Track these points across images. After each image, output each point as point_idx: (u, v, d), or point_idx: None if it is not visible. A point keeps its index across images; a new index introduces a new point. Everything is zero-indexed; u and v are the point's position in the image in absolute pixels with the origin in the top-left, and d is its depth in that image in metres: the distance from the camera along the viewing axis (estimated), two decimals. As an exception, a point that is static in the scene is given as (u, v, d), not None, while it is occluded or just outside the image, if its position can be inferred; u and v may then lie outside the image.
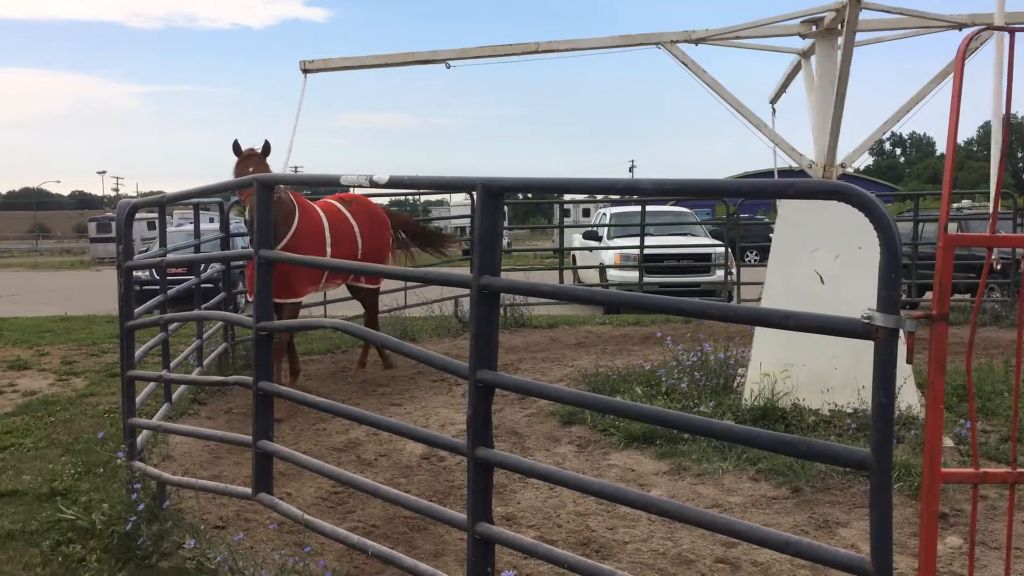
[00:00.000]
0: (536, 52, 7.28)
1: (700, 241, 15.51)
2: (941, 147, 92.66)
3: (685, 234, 15.81)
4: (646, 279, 13.79)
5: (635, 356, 8.99)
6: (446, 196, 40.03)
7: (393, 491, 3.44)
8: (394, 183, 3.32)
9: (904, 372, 5.95)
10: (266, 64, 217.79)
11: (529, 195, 23.15)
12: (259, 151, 6.87)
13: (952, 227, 14.24)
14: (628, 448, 5.79)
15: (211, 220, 18.38)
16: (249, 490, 3.97)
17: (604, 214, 17.98)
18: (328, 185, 7.69)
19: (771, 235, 7.12)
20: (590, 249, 16.28)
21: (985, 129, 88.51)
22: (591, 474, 5.20)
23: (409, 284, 11.73)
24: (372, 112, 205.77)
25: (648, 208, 14.38)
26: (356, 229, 7.95)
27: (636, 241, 13.83)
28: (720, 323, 9.48)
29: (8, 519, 4.71)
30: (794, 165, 7.28)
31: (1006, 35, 2.54)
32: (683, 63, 7.00)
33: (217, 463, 5.68)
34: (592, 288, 4.68)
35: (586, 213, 32.56)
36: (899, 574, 3.69)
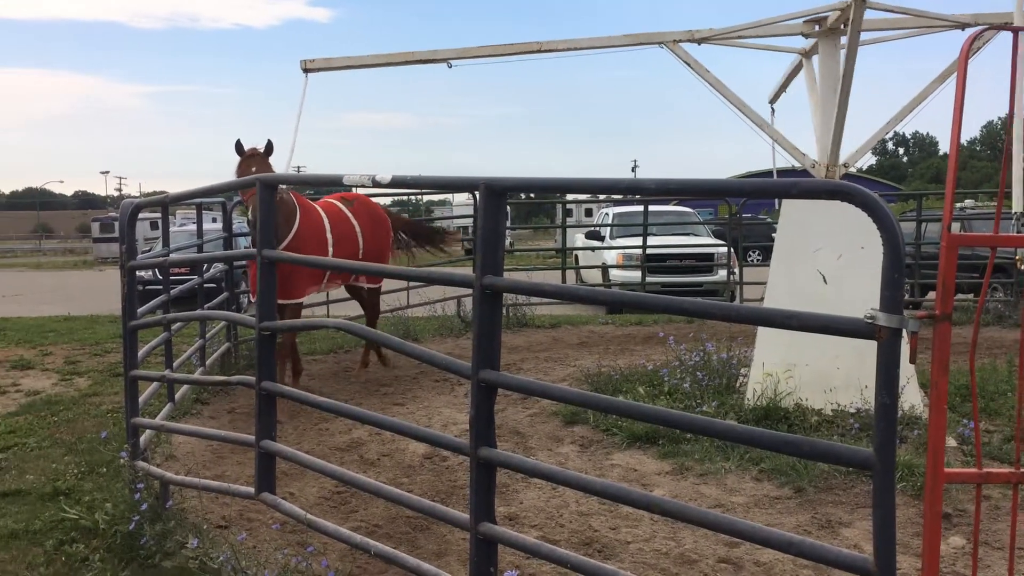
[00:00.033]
0: (538, 52, 7.27)
1: (703, 241, 15.49)
2: (944, 147, 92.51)
3: (688, 234, 15.80)
4: (649, 279, 13.78)
5: (638, 356, 8.99)
6: (448, 196, 40.03)
7: (396, 491, 3.44)
8: (397, 183, 3.32)
9: (907, 372, 5.95)
10: (269, 64, 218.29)
11: (531, 195, 23.15)
12: (262, 151, 6.88)
13: (955, 227, 14.20)
14: (631, 448, 5.79)
15: (214, 220, 18.38)
16: (252, 490, 3.97)
17: (607, 214, 17.98)
18: (331, 185, 7.70)
19: (774, 235, 7.11)
20: (593, 249, 16.27)
21: (988, 129, 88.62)
22: (594, 474, 5.20)
23: (412, 284, 11.73)
24: (373, 112, 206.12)
25: (651, 208, 14.38)
26: (357, 229, 7.94)
27: (639, 241, 13.82)
28: (723, 323, 9.47)
29: (11, 518, 4.72)
30: (795, 165, 7.27)
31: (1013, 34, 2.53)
32: (686, 63, 6.99)
33: (220, 463, 5.68)
34: (595, 288, 4.68)
35: (589, 213, 32.57)
36: (902, 574, 3.68)
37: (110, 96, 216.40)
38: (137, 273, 4.93)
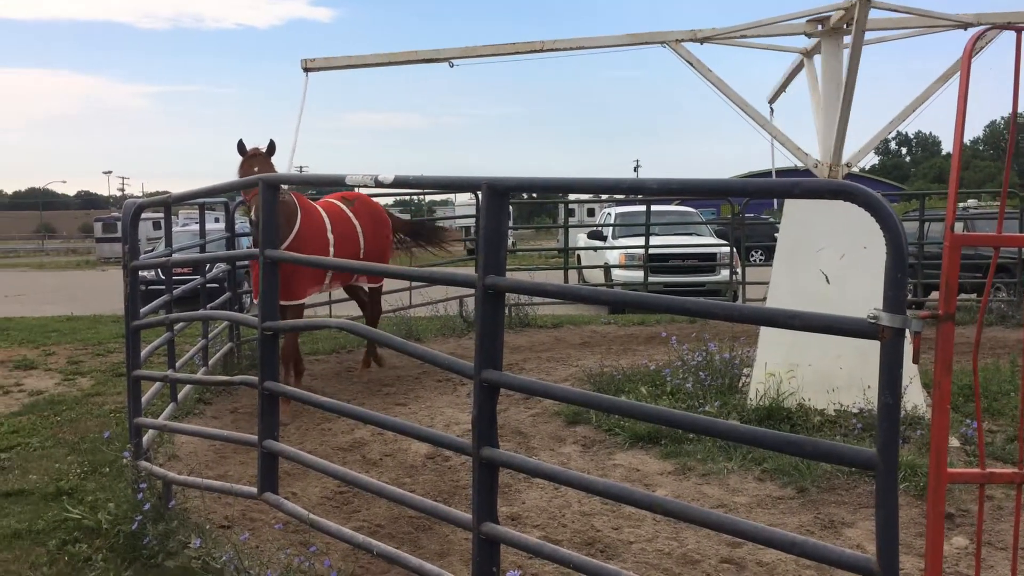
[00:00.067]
0: (541, 51, 7.26)
1: (705, 241, 15.48)
2: (947, 146, 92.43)
3: (690, 234, 15.79)
4: (651, 279, 13.77)
5: (640, 356, 8.99)
6: (451, 196, 40.03)
7: (398, 491, 3.44)
8: (400, 183, 3.32)
9: (910, 372, 5.94)
10: (271, 64, 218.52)
11: (534, 195, 23.14)
12: (264, 150, 6.87)
13: (958, 226, 14.19)
14: (633, 448, 5.79)
15: (216, 220, 18.40)
16: (254, 489, 3.97)
17: (609, 214, 17.97)
18: (333, 185, 7.69)
19: (776, 235, 7.11)
20: (595, 249, 16.27)
21: (991, 128, 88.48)
22: (596, 474, 5.20)
23: (414, 284, 11.74)
24: (374, 112, 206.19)
25: (653, 208, 14.37)
26: (358, 229, 7.92)
27: (641, 241, 13.82)
28: (725, 323, 9.46)
29: (15, 518, 4.72)
30: (797, 164, 7.27)
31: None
32: (688, 62, 6.99)
33: (223, 463, 5.69)
34: (597, 288, 4.68)
35: (591, 213, 32.56)
36: (905, 574, 3.68)
37: (113, 96, 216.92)
38: (140, 273, 4.93)
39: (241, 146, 6.88)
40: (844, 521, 4.51)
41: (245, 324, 4.83)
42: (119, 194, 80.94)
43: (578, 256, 18.04)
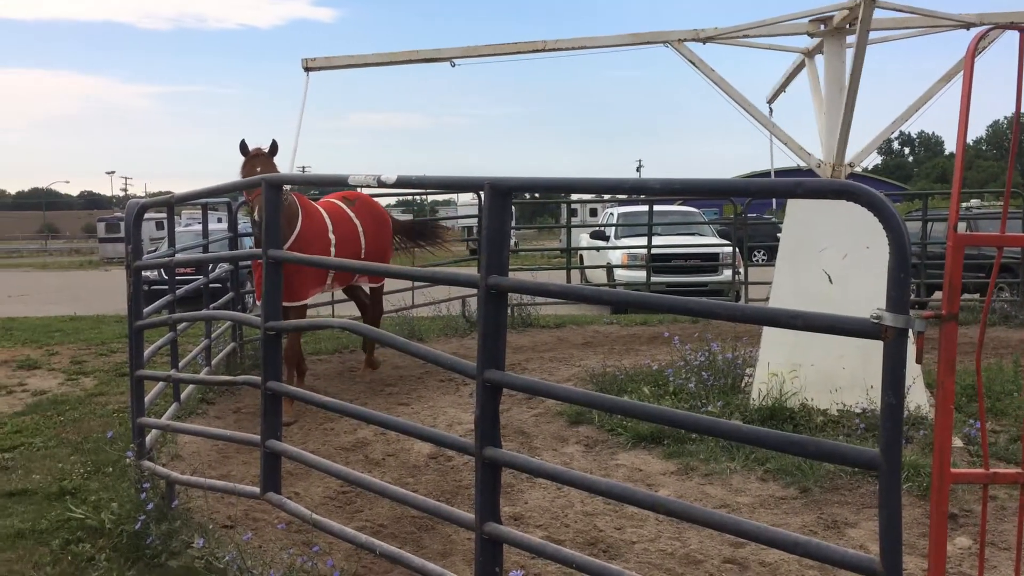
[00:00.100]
0: (543, 50, 7.26)
1: (708, 241, 15.48)
2: (950, 146, 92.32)
3: (693, 234, 15.79)
4: (653, 279, 13.77)
5: (642, 356, 8.99)
6: (453, 196, 40.04)
7: (401, 491, 3.45)
8: (402, 183, 3.32)
9: (913, 372, 5.93)
10: (273, 64, 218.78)
11: (536, 195, 23.13)
12: (266, 151, 6.87)
13: (961, 226, 14.18)
14: (636, 448, 5.79)
15: (219, 220, 18.41)
16: (257, 489, 3.98)
17: (611, 214, 17.97)
18: (336, 185, 7.69)
19: (779, 235, 7.10)
20: (597, 249, 16.27)
21: (994, 128, 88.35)
22: (599, 474, 5.20)
23: (416, 284, 11.74)
24: (375, 112, 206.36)
25: (656, 208, 14.37)
26: (360, 229, 7.90)
27: (643, 241, 13.82)
28: (728, 323, 9.46)
29: (18, 518, 4.73)
30: (800, 164, 7.26)
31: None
32: (691, 62, 6.99)
33: (225, 462, 5.70)
34: (599, 288, 4.67)
35: (593, 213, 32.56)
36: (908, 575, 3.68)
37: (116, 97, 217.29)
38: (143, 273, 4.94)
39: (243, 146, 6.88)
40: (847, 521, 4.51)
41: (248, 324, 4.83)
42: (122, 194, 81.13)
43: (580, 256, 18.05)
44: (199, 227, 10.28)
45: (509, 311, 10.78)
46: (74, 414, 7.14)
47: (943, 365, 2.08)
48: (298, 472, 5.25)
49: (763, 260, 23.38)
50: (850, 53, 6.39)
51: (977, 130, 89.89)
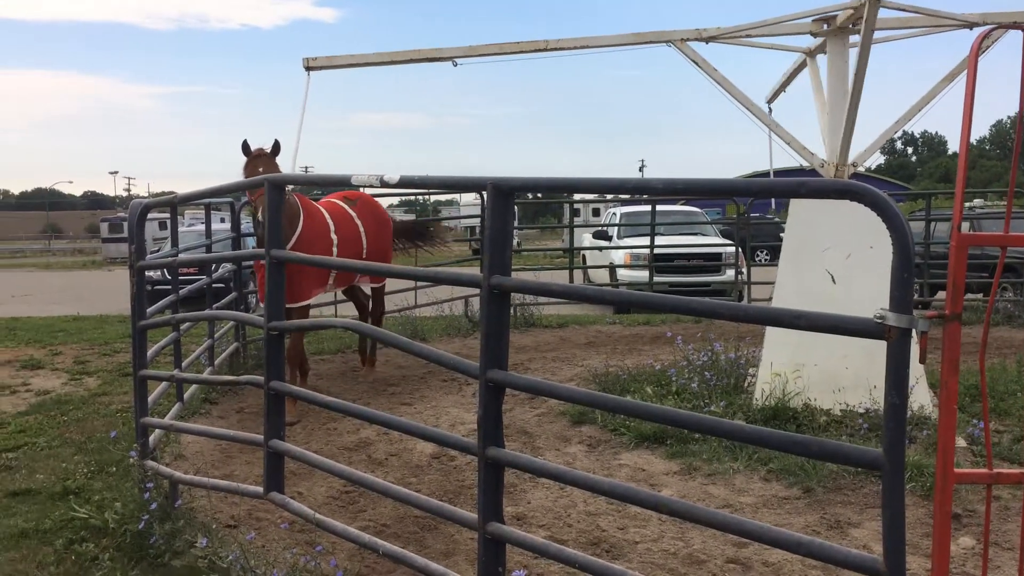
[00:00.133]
0: (545, 50, 7.26)
1: (710, 241, 15.47)
2: (953, 146, 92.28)
3: (695, 234, 15.78)
4: (656, 279, 13.77)
5: (645, 356, 8.98)
6: (456, 196, 40.03)
7: (404, 490, 3.45)
8: (405, 183, 3.32)
9: (917, 372, 5.92)
10: (275, 64, 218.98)
11: (539, 195, 23.12)
12: (268, 151, 6.88)
13: (965, 226, 14.17)
14: (639, 448, 5.78)
15: (222, 220, 18.43)
16: (260, 489, 3.98)
17: (614, 214, 17.97)
18: (339, 185, 7.70)
19: (782, 234, 7.10)
20: (600, 249, 16.27)
21: (998, 128, 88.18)
22: (601, 474, 5.20)
23: (419, 284, 11.74)
24: (376, 112, 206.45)
25: (658, 208, 14.36)
26: (361, 229, 7.89)
27: (646, 241, 13.81)
28: (731, 323, 9.45)
29: (22, 517, 4.74)
30: (803, 164, 7.26)
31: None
32: (694, 61, 6.98)
33: (229, 462, 5.70)
34: (602, 288, 4.67)
35: (596, 213, 32.56)
36: (912, 575, 3.67)
37: (119, 97, 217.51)
38: (146, 273, 4.95)
39: (246, 146, 6.89)
40: (850, 521, 4.50)
41: (251, 324, 4.84)
42: (125, 194, 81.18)
43: (583, 256, 18.05)
44: (202, 227, 10.30)
45: (512, 311, 10.77)
46: (78, 414, 7.15)
47: (947, 365, 2.08)
48: (301, 472, 5.25)
49: (766, 260, 23.37)
50: (853, 52, 6.38)
51: (980, 130, 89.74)
